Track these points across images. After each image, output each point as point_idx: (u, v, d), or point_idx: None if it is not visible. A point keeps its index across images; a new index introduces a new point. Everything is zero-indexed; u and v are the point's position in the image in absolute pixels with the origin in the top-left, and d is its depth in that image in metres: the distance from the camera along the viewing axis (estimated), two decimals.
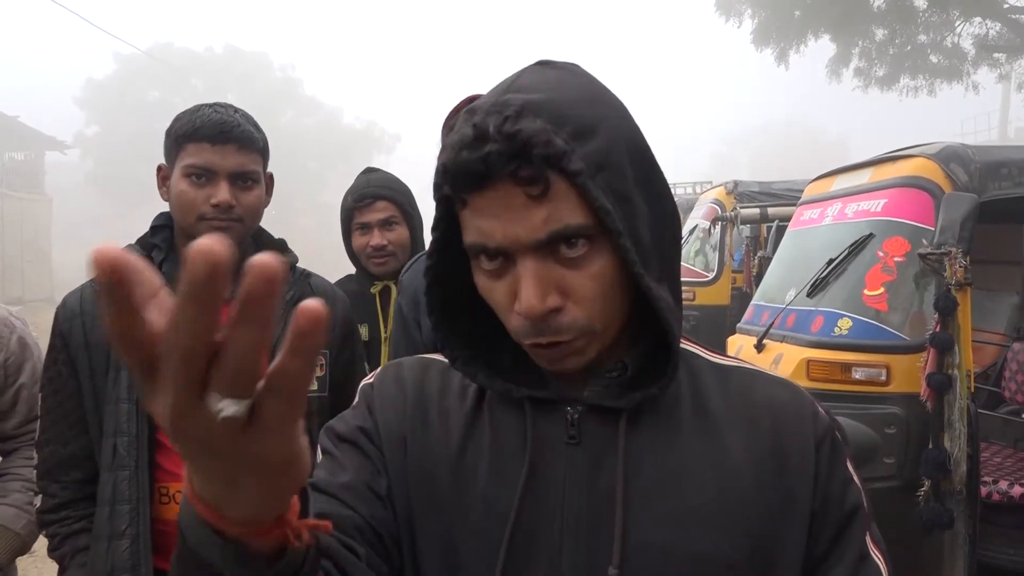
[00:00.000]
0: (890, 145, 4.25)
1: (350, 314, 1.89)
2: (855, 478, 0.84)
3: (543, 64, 0.80)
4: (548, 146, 0.70)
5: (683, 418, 0.83)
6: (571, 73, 0.79)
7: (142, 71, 34.67)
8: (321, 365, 1.76)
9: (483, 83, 0.78)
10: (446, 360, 0.93)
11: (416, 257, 2.00)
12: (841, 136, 54.20)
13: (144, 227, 1.74)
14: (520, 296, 0.74)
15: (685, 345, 0.89)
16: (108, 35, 33.52)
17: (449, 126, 1.79)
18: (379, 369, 0.95)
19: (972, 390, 3.11)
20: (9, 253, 22.03)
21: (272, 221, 1.72)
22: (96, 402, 1.61)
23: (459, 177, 0.73)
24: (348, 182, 2.52)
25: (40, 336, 1.82)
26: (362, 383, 0.94)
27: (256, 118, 1.76)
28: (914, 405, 3.11)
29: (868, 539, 0.83)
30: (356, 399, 0.92)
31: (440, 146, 1.83)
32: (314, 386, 1.73)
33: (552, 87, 0.75)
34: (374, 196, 2.38)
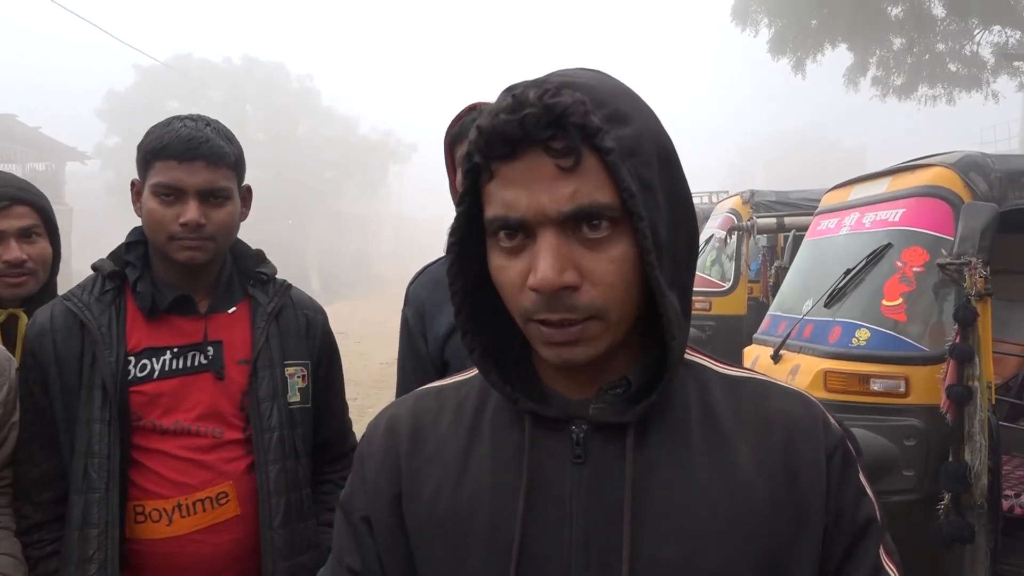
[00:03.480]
0: (908, 155, 4.22)
1: (329, 327, 1.86)
2: (868, 490, 0.83)
3: (582, 68, 0.82)
4: (585, 117, 0.71)
5: (692, 431, 0.82)
6: (609, 75, 0.81)
7: (161, 82, 35.08)
8: (303, 376, 1.73)
9: (498, 92, 0.78)
10: (437, 384, 0.95)
11: (423, 268, 1.95)
12: (858, 146, 53.89)
13: None
14: (536, 267, 0.73)
15: (694, 356, 0.88)
16: (128, 47, 33.85)
17: (452, 134, 1.79)
18: (370, 424, 0.95)
19: (993, 402, 3.07)
20: None
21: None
22: (68, 421, 1.57)
23: (494, 140, 0.73)
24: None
25: None
26: (359, 443, 0.95)
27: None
28: (934, 417, 3.07)
29: (882, 551, 0.82)
30: (354, 463, 0.94)
31: (444, 157, 1.83)
32: (296, 397, 1.71)
33: (591, 78, 0.77)
34: (12, 199, 1.82)
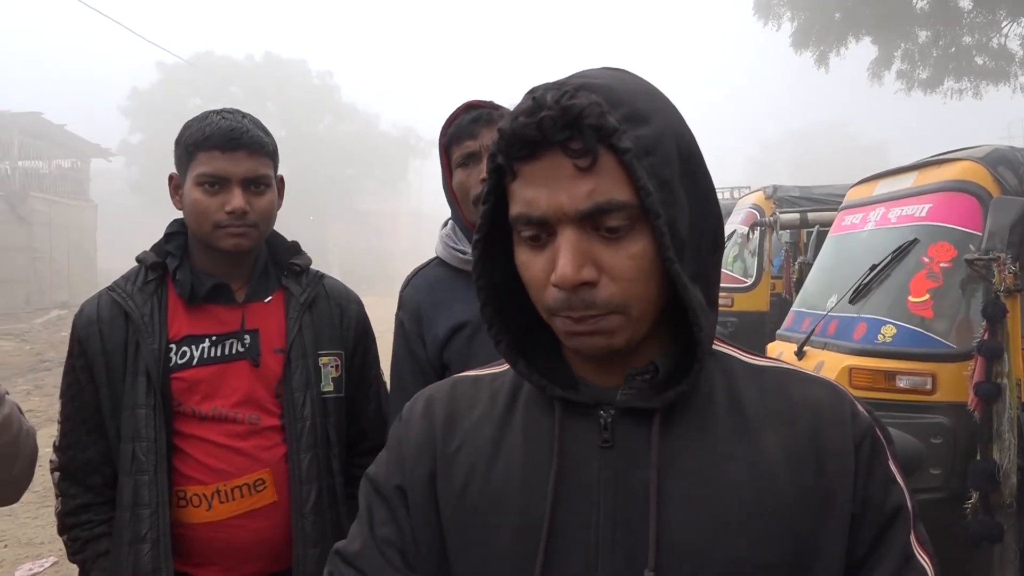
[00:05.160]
0: (933, 149, 4.16)
1: (365, 315, 1.89)
2: (898, 477, 0.83)
3: (606, 67, 0.83)
4: (600, 118, 0.73)
5: (718, 419, 0.83)
6: (632, 74, 0.82)
7: (184, 80, 35.32)
8: (336, 366, 1.76)
9: (517, 88, 0.80)
10: (473, 373, 0.97)
11: (415, 271, 1.93)
12: (882, 140, 53.30)
13: None
14: (556, 265, 0.75)
15: (719, 347, 0.89)
16: (152, 45, 34.23)
17: (448, 136, 1.77)
18: (407, 406, 0.97)
19: (1022, 399, 3.03)
20: (56, 258, 22.58)
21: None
22: (114, 407, 1.62)
23: (513, 143, 0.75)
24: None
25: None
26: (394, 425, 0.97)
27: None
28: (961, 415, 3.04)
29: (913, 539, 0.82)
30: (388, 442, 0.95)
31: (440, 158, 1.81)
32: (330, 387, 1.74)
33: (612, 78, 0.79)
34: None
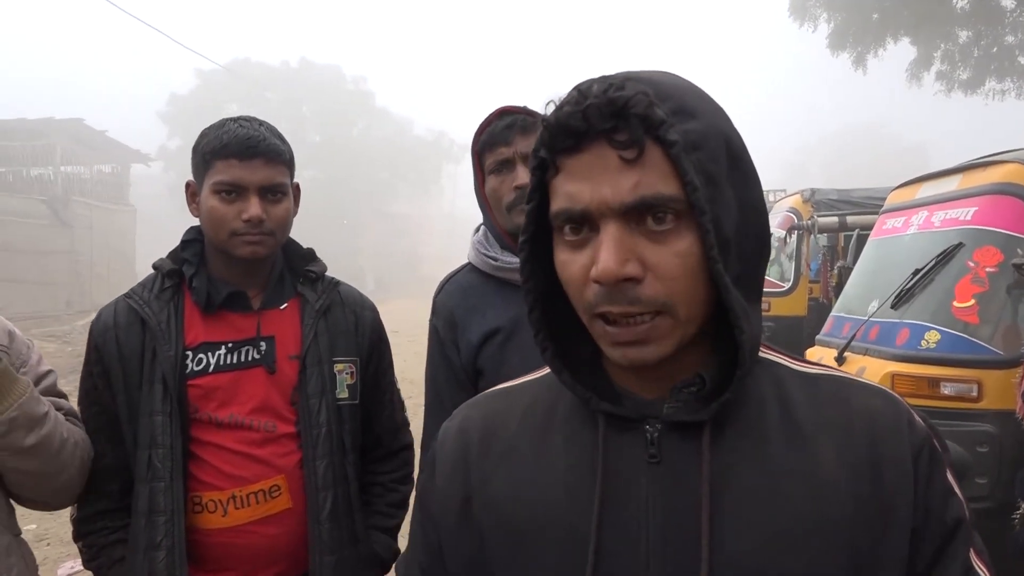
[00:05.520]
0: (976, 151, 4.07)
1: (379, 322, 1.88)
2: (956, 488, 0.80)
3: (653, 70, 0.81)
4: (648, 108, 0.70)
5: (770, 429, 0.79)
6: (680, 76, 0.80)
7: (221, 85, 35.87)
8: (352, 373, 1.75)
9: (552, 93, 0.79)
10: (505, 387, 0.95)
11: (448, 277, 1.91)
12: (922, 142, 52.45)
13: None
14: (598, 259, 0.72)
15: (768, 354, 0.86)
16: (190, 52, 34.87)
17: (480, 142, 1.76)
18: (444, 426, 0.96)
19: None
20: (96, 261, 23.04)
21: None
22: (131, 414, 1.62)
23: (558, 134, 0.73)
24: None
25: None
26: (432, 445, 0.96)
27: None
28: (1008, 423, 2.96)
29: (972, 552, 0.79)
30: (426, 462, 0.95)
31: (472, 163, 1.80)
32: (345, 394, 1.73)
33: (659, 75, 0.77)
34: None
